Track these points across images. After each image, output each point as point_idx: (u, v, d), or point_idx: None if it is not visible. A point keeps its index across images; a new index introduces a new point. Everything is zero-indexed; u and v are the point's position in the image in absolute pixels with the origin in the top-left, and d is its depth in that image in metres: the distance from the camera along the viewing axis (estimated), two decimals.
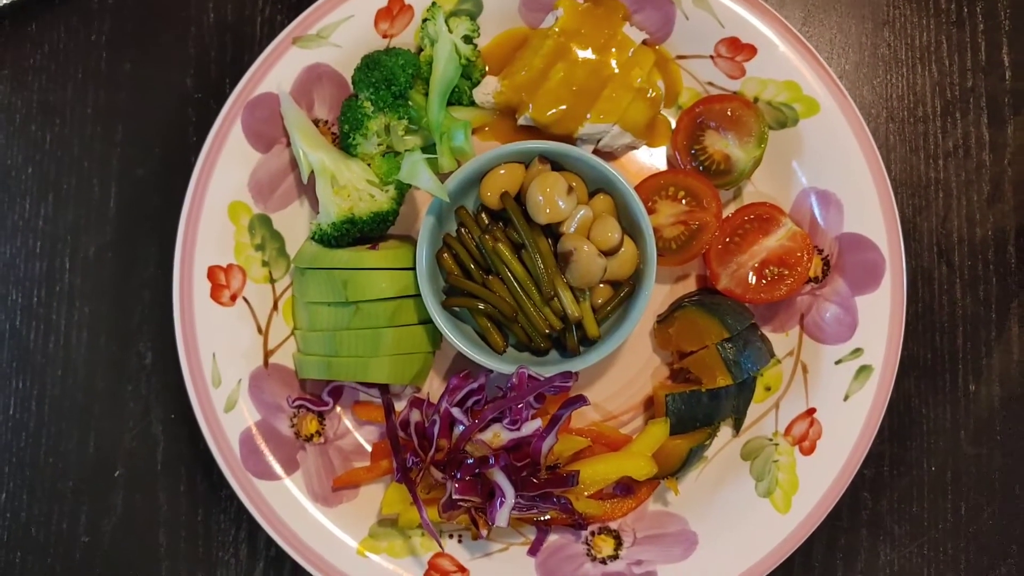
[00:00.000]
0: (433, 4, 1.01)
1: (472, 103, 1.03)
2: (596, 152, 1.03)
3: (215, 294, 0.99)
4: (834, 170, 1.01)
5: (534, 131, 1.03)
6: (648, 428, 0.98)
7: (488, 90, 1.03)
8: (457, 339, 0.96)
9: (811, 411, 1.00)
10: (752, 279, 1.00)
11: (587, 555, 0.99)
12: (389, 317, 0.97)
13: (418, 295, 0.97)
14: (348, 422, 1.03)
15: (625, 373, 1.03)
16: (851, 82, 1.09)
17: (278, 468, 0.99)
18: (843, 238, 1.00)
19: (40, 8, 1.09)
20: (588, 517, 0.97)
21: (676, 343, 1.01)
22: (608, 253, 0.96)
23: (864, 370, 0.99)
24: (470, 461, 0.92)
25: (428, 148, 1.01)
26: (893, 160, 1.08)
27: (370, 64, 0.99)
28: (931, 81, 1.09)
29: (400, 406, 1.02)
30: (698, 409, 0.97)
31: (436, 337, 1.01)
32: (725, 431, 1.02)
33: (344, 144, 1.00)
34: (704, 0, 1.01)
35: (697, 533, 0.99)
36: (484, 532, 0.94)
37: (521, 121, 1.02)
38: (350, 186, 0.98)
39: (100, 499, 1.05)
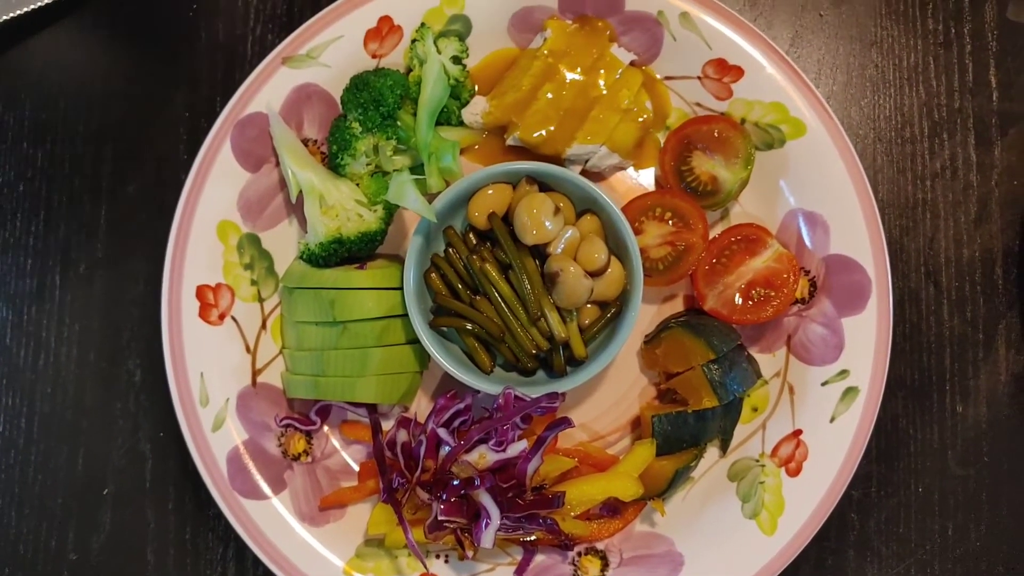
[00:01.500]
0: (422, 25, 1.02)
1: (461, 123, 1.04)
2: (584, 173, 1.03)
3: (203, 313, 1.00)
4: (821, 191, 1.01)
5: (522, 151, 1.03)
6: (634, 449, 0.98)
7: (477, 110, 1.03)
8: (444, 359, 0.96)
9: (797, 432, 1.00)
10: (739, 300, 1.00)
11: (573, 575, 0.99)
12: (376, 337, 0.98)
13: (405, 315, 0.97)
14: (336, 441, 1.03)
15: (612, 394, 1.03)
16: (839, 103, 1.09)
17: (265, 487, 0.99)
18: (830, 259, 1.01)
19: (33, 27, 1.10)
20: (574, 538, 0.97)
21: (663, 364, 1.01)
22: (595, 274, 0.96)
23: (850, 392, 0.99)
24: (456, 482, 0.92)
25: (417, 168, 1.02)
26: (880, 181, 1.08)
27: (359, 85, 0.99)
28: (919, 102, 1.09)
29: (388, 426, 1.02)
30: (684, 430, 0.97)
31: (423, 357, 1.01)
32: (712, 452, 1.02)
33: (332, 164, 1.01)
34: (691, 22, 1.01)
35: (683, 554, 0.99)
36: (470, 553, 0.94)
37: (509, 141, 1.03)
38: (338, 206, 0.99)
39: (88, 516, 1.05)
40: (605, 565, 0.99)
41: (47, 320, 1.07)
